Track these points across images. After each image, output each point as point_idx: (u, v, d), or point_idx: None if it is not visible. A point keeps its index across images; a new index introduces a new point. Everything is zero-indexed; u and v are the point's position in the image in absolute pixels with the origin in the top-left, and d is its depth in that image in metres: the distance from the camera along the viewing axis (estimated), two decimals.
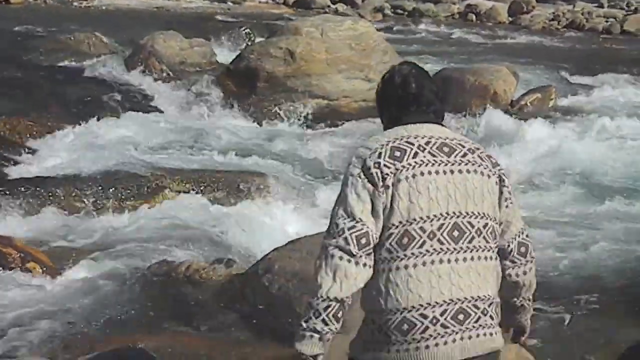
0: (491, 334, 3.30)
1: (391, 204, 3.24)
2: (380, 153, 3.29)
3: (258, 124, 11.91)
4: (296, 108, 12.31)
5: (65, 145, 10.03)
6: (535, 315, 6.46)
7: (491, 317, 3.31)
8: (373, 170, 3.25)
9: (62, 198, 8.42)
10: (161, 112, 11.88)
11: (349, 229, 3.21)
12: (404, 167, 3.27)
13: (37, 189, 8.44)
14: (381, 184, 3.25)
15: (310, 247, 6.22)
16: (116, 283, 6.74)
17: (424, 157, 3.30)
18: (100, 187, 8.63)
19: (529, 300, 3.62)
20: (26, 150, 9.89)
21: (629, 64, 17.21)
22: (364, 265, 3.21)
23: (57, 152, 9.83)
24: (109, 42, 15.03)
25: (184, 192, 8.88)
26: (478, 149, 3.44)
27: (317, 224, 7.44)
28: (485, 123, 11.64)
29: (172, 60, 13.28)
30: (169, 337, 5.82)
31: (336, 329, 3.23)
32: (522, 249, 3.47)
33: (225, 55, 14.62)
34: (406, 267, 3.23)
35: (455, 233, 3.28)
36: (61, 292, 6.68)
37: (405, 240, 3.24)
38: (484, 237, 3.33)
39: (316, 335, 3.23)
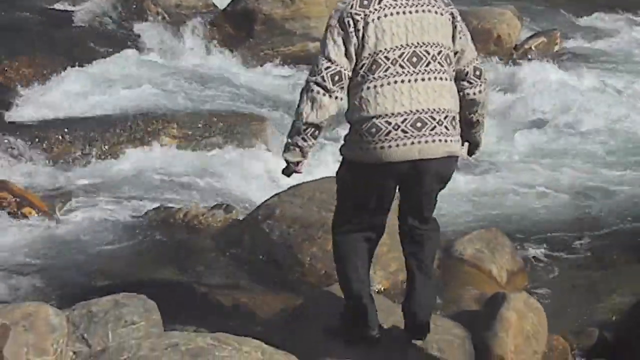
0: (446, 141, 4.23)
1: (362, 42, 4.20)
2: (352, 4, 4.24)
3: (255, 67, 11.81)
4: (294, 51, 12.22)
5: (58, 89, 9.94)
6: (544, 265, 6.58)
7: (446, 127, 4.23)
8: (346, 20, 4.21)
9: (55, 143, 8.41)
10: (156, 55, 11.78)
11: (325, 68, 4.17)
12: (370, 12, 4.21)
13: (30, 133, 8.43)
14: (352, 29, 4.20)
15: (311, 193, 6.25)
16: (113, 229, 6.77)
17: (386, 2, 4.23)
18: (93, 132, 8.61)
19: (483, 117, 4.53)
20: (18, 94, 9.83)
21: None
22: (336, 97, 4.21)
23: (50, 96, 9.76)
24: None
25: (180, 136, 8.85)
26: None
27: (317, 170, 7.44)
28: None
29: (167, 3, 13.13)
30: (167, 284, 5.86)
31: (313, 143, 4.30)
32: (477, 72, 4.41)
33: None
34: (375, 87, 4.19)
35: (414, 59, 4.21)
36: (56, 237, 6.71)
37: (374, 67, 4.19)
38: (438, 62, 4.25)
39: (298, 149, 4.30)
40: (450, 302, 5.66)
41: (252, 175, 8.15)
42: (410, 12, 4.25)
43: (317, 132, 4.28)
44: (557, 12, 14.99)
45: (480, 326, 4.78)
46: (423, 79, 4.20)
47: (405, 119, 4.17)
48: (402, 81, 4.19)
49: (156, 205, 7.16)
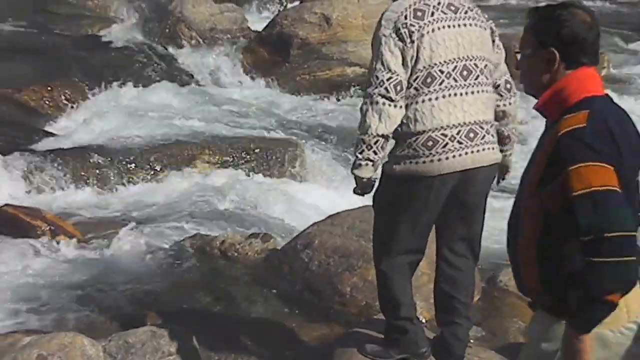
0: (493, 149, 4.49)
1: (417, 54, 4.34)
2: (405, 15, 4.36)
3: (292, 93, 11.86)
4: (331, 76, 12.25)
5: (94, 115, 10.07)
6: None
7: (492, 136, 4.50)
8: (402, 30, 4.33)
9: (92, 169, 8.49)
10: (191, 80, 11.88)
11: (387, 79, 4.30)
12: (425, 24, 4.36)
13: (65, 160, 8.50)
14: (409, 40, 4.33)
15: (351, 222, 6.25)
16: (148, 257, 6.79)
17: (439, 15, 4.40)
18: (130, 159, 8.68)
19: (513, 132, 4.73)
20: (53, 120, 9.96)
21: None
22: (400, 107, 4.33)
23: (84, 123, 9.88)
24: (135, 7, 15.02)
25: (217, 163, 8.91)
26: (475, 7, 4.55)
27: (355, 199, 7.43)
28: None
29: (201, 27, 13.22)
30: (204, 314, 5.87)
31: (383, 156, 4.41)
32: (508, 85, 4.62)
33: (256, 21, 14.56)
34: (430, 99, 4.34)
35: (465, 72, 4.40)
36: (91, 265, 6.74)
37: (429, 80, 4.35)
38: (485, 75, 4.46)
39: (370, 163, 4.39)
40: (494, 335, 5.63)
41: (289, 202, 8.17)
42: (459, 26, 4.43)
43: (386, 143, 4.39)
44: (604, 35, 14.86)
45: None
46: (473, 92, 4.40)
47: (460, 131, 4.37)
48: (456, 94, 4.37)
49: (193, 232, 7.20)
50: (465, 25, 4.44)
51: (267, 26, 12.98)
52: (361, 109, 4.36)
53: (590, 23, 3.13)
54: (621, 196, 2.93)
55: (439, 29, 4.38)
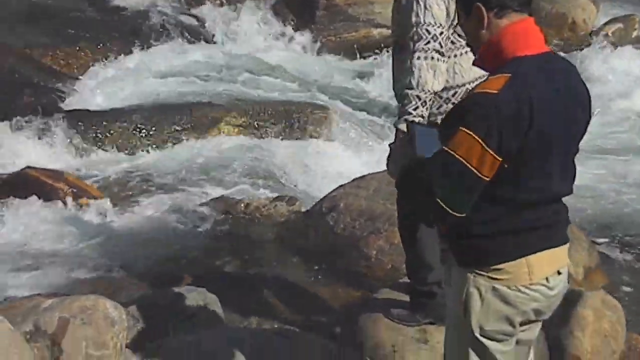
0: None
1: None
2: None
3: (317, 54, 11.79)
4: (357, 38, 12.16)
5: (116, 77, 10.05)
6: (622, 263, 6.46)
7: None
8: None
9: (115, 132, 8.47)
10: (215, 42, 11.83)
11: (440, 34, 4.27)
12: None
13: (88, 122, 8.49)
14: None
15: (377, 184, 6.21)
16: (172, 220, 6.80)
17: None
18: (154, 121, 8.66)
19: None
20: (74, 82, 9.93)
21: None
22: (445, 62, 4.29)
23: (106, 84, 9.86)
24: None
25: (241, 126, 8.87)
26: None
27: (381, 162, 7.38)
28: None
29: None
30: (228, 276, 5.87)
31: (427, 114, 4.29)
32: None
33: None
34: (467, 52, 4.31)
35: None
36: (114, 228, 6.76)
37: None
38: None
39: (422, 120, 4.27)
40: None
41: (315, 165, 8.13)
42: None
43: (432, 100, 4.33)
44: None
45: (555, 325, 4.70)
46: None
47: None
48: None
49: (217, 195, 7.18)
50: None
51: None
52: (413, 64, 4.25)
53: None
54: (473, 181, 2.94)
55: None
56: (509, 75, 2.96)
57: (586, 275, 5.98)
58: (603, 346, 4.67)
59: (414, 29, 4.28)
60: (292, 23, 12.38)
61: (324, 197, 6.50)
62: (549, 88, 3.01)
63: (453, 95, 4.37)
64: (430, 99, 4.28)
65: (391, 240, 5.74)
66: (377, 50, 11.74)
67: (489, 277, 3.08)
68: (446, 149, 2.96)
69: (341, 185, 6.49)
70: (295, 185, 7.84)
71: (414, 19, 4.28)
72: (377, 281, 5.57)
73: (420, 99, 4.26)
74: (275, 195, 7.09)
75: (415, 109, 4.26)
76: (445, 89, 4.35)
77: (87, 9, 11.88)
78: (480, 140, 2.91)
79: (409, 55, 4.29)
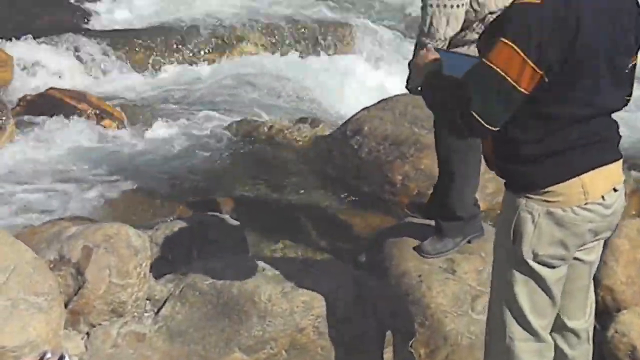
0: None
1: None
2: None
3: None
4: None
5: None
6: None
7: None
8: None
9: (138, 51, 8.40)
10: None
11: None
12: None
13: (112, 43, 8.42)
14: None
15: (402, 107, 6.12)
16: (195, 142, 6.75)
17: None
18: (175, 40, 8.57)
19: None
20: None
21: None
22: (465, 3, 4.15)
23: (125, 3, 9.74)
24: None
25: (263, 44, 8.77)
26: None
27: (404, 78, 7.27)
28: None
29: None
30: (251, 202, 5.82)
31: None
32: None
33: None
34: None
35: None
36: (137, 151, 6.73)
37: None
38: None
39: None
40: None
41: (339, 85, 8.03)
42: None
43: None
44: None
45: None
46: None
47: None
48: None
49: (239, 117, 7.11)
50: None
51: None
52: (425, 11, 4.17)
53: None
54: (511, 94, 2.87)
55: None
56: None
57: None
58: (638, 277, 4.58)
59: None
60: None
61: (348, 119, 6.41)
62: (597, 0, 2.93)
63: (478, 25, 4.23)
64: (445, 45, 4.18)
65: (417, 166, 5.67)
66: None
67: (541, 200, 3.02)
68: (484, 60, 2.89)
69: (365, 108, 6.39)
70: (318, 104, 7.76)
71: None
72: (402, 207, 5.51)
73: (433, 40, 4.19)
74: (298, 117, 7.00)
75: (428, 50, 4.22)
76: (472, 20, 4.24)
77: None
78: (520, 51, 2.84)
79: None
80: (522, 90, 2.88)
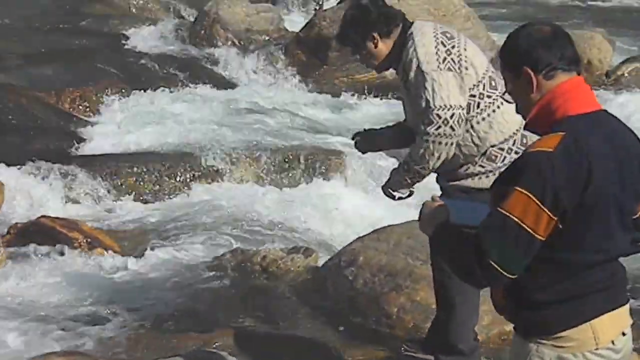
0: None
1: (469, 69, 4.43)
2: (442, 42, 4.44)
3: (331, 96, 11.73)
4: (370, 79, 12.10)
5: (129, 120, 10.02)
6: None
7: None
8: (448, 57, 4.40)
9: (128, 179, 8.42)
10: (227, 83, 11.81)
11: (450, 117, 4.34)
12: (458, 40, 4.49)
13: (102, 170, 8.44)
14: (457, 63, 4.41)
15: (397, 238, 6.13)
16: (187, 272, 6.70)
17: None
18: (164, 167, 8.60)
19: None
20: (88, 125, 9.91)
21: None
22: (457, 137, 4.45)
23: (120, 128, 9.84)
24: (171, 8, 15.02)
25: (254, 172, 8.81)
26: None
27: (399, 209, 7.29)
28: None
29: (237, 28, 13.15)
30: (246, 334, 5.76)
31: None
32: None
33: (292, 21, 14.49)
34: (502, 103, 4.42)
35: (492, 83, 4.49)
36: (129, 281, 6.66)
37: (493, 83, 4.48)
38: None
39: (412, 186, 4.66)
40: None
41: (331, 213, 8.04)
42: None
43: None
44: None
45: None
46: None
47: (515, 140, 4.62)
48: (502, 103, 4.50)
49: (231, 246, 7.10)
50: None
51: (304, 27, 12.85)
52: (419, 145, 4.44)
53: (548, 30, 3.06)
54: (529, 242, 2.90)
55: (465, 42, 4.53)
56: (564, 133, 2.93)
57: None
58: None
59: (424, 112, 4.39)
60: (304, 64, 12.35)
61: (342, 249, 6.41)
62: (604, 146, 2.97)
63: (513, 144, 4.50)
64: (430, 174, 4.56)
65: (413, 298, 5.66)
66: (389, 92, 11.67)
67: (553, 345, 3.01)
68: (501, 210, 2.91)
69: (359, 237, 6.40)
70: (311, 234, 7.74)
71: (423, 104, 4.39)
72: (398, 340, 5.47)
73: (419, 174, 4.54)
74: (291, 246, 7.00)
75: (411, 179, 4.60)
76: (479, 154, 4.51)
77: (98, 51, 11.94)
78: (536, 200, 2.87)
79: (419, 132, 4.45)
80: (540, 237, 2.91)
